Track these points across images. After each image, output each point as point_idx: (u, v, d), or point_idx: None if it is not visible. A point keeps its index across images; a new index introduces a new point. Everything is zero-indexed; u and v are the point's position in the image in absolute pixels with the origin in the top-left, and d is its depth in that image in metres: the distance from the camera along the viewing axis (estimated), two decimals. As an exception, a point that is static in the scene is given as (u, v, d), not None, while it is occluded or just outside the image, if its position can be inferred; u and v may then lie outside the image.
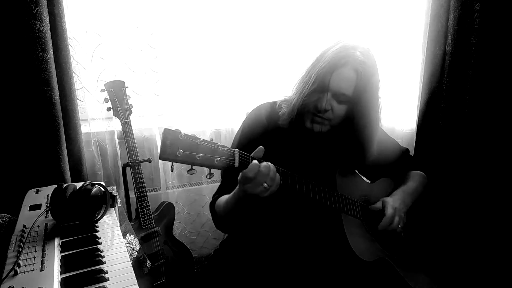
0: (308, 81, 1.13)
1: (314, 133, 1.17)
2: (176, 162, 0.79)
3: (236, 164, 0.89)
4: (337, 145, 1.22)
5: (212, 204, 1.22)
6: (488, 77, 1.80)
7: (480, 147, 1.87)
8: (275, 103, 1.28)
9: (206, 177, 0.88)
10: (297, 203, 1.16)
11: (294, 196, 1.04)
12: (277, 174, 0.95)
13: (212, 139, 0.87)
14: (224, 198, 1.14)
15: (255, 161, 0.91)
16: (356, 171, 1.36)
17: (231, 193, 1.06)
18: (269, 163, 0.93)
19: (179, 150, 0.78)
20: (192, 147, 0.81)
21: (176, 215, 1.84)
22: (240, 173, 0.91)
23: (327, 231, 1.18)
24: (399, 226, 1.20)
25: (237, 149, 0.90)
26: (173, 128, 0.80)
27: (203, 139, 0.84)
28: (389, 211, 1.18)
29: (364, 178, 1.38)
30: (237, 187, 1.00)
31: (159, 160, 1.85)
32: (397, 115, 2.08)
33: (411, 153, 1.96)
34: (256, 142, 1.16)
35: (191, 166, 0.84)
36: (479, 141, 1.86)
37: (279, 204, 1.15)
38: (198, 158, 0.81)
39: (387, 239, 1.24)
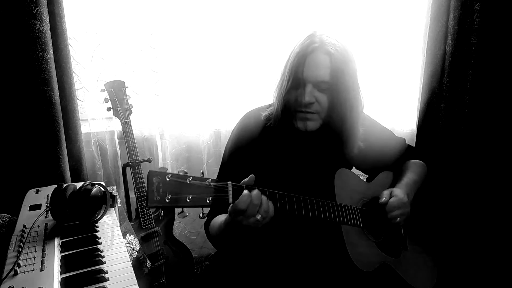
0: (283, 79, 1.09)
1: (304, 133, 1.12)
2: (165, 208, 0.76)
3: (230, 200, 0.84)
4: (328, 141, 1.17)
5: (207, 225, 1.16)
6: (488, 77, 1.80)
7: (480, 147, 1.87)
8: (262, 108, 1.24)
9: (199, 216, 0.85)
10: (295, 220, 1.10)
11: (293, 218, 1.00)
12: (270, 203, 0.90)
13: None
14: (218, 220, 1.07)
15: (245, 192, 0.85)
16: (354, 169, 1.33)
17: (224, 220, 0.99)
18: (260, 193, 0.87)
19: (167, 195, 0.74)
20: (182, 188, 0.76)
21: (176, 215, 1.84)
22: (231, 205, 0.85)
23: (326, 244, 1.14)
24: (402, 221, 1.17)
25: (230, 182, 0.84)
26: (157, 169, 0.77)
27: (193, 177, 0.78)
28: (393, 201, 1.14)
29: (362, 178, 1.35)
30: (228, 216, 0.93)
31: (159, 161, 1.85)
32: (397, 115, 2.08)
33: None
34: (248, 152, 1.15)
35: (182, 209, 0.80)
36: (479, 141, 1.86)
37: (277, 221, 1.10)
38: (188, 201, 0.76)
39: (388, 240, 1.22)
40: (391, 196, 1.16)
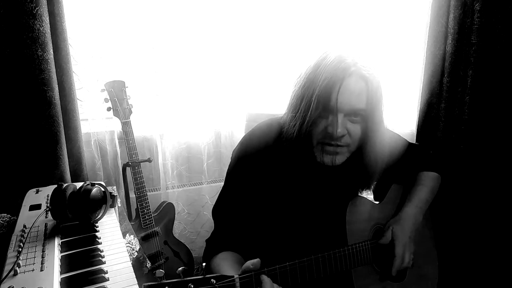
0: (307, 107, 0.92)
1: (326, 167, 0.99)
2: None
3: None
4: (351, 174, 1.04)
5: (208, 255, 1.04)
6: (488, 77, 1.80)
7: (480, 147, 1.87)
8: (270, 126, 1.07)
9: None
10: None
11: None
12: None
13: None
14: (222, 268, 0.95)
15: None
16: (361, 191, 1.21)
17: None
18: (271, 282, 0.78)
19: None
20: None
21: (176, 215, 1.84)
22: None
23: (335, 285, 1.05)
24: (411, 261, 1.08)
25: (237, 277, 0.76)
26: (156, 277, 0.71)
27: (193, 281, 0.72)
28: (398, 251, 1.04)
29: (371, 198, 1.23)
30: None
31: (159, 161, 1.85)
32: (398, 115, 2.08)
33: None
34: (257, 168, 1.02)
35: None
36: (480, 141, 1.86)
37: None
38: None
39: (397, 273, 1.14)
40: (392, 239, 1.06)
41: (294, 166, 1.02)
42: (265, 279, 0.78)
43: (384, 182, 1.23)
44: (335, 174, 1.04)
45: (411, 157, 1.22)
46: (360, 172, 1.03)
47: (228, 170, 1.11)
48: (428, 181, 1.20)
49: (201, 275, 0.74)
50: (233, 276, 0.76)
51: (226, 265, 0.96)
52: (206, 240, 1.09)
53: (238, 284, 0.76)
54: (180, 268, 0.72)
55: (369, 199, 1.19)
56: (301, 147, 0.97)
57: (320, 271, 0.93)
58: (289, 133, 0.98)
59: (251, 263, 0.79)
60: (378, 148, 0.98)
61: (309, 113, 0.92)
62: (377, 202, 1.18)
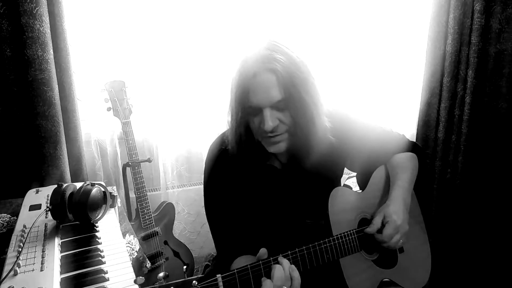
0: (232, 111, 1.00)
1: (283, 165, 1.08)
2: None
3: None
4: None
5: (224, 267, 1.03)
6: (488, 77, 1.80)
7: (480, 147, 1.87)
8: (217, 143, 1.15)
9: None
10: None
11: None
12: (293, 268, 0.85)
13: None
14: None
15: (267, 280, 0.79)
16: (345, 182, 1.25)
17: None
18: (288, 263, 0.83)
19: None
20: None
21: (176, 215, 1.84)
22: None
23: (324, 279, 1.06)
24: (399, 242, 1.08)
25: (219, 276, 0.78)
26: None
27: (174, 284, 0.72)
28: (386, 231, 1.05)
29: (356, 188, 1.26)
30: None
31: (159, 161, 1.85)
32: (398, 115, 2.08)
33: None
34: (229, 191, 1.07)
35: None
36: (480, 141, 1.86)
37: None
38: None
39: (384, 252, 1.14)
40: (383, 223, 1.06)
41: (250, 168, 1.08)
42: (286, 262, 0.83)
43: (363, 170, 1.25)
44: (294, 169, 1.10)
45: (384, 142, 1.23)
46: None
47: (204, 185, 1.15)
48: (407, 162, 1.21)
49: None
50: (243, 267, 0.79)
51: (242, 262, 0.98)
52: (214, 259, 1.12)
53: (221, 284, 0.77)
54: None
55: (350, 189, 1.21)
56: (239, 149, 1.04)
57: (307, 262, 0.95)
58: (232, 141, 1.05)
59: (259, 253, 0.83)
60: (313, 129, 1.01)
61: (236, 117, 0.99)
62: (359, 191, 1.20)
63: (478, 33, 1.75)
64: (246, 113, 0.99)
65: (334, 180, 1.22)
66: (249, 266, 0.81)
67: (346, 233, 1.05)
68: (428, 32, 1.81)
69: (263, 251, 0.84)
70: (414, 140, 1.98)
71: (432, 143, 1.95)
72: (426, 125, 1.93)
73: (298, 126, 0.99)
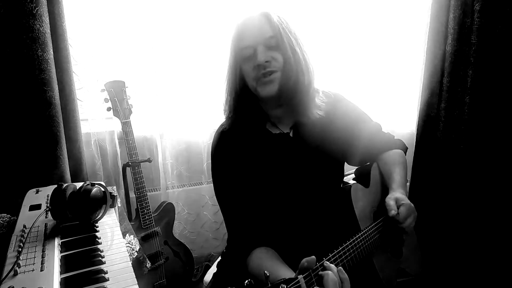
0: (231, 64, 1.08)
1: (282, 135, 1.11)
2: None
3: None
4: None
5: (241, 258, 1.03)
6: (488, 77, 1.80)
7: (480, 148, 1.87)
8: (221, 125, 1.22)
9: None
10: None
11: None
12: (341, 271, 0.82)
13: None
14: (264, 268, 0.92)
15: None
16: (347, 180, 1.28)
17: None
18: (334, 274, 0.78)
19: None
20: None
21: (176, 215, 1.84)
22: None
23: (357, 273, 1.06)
24: (414, 222, 1.12)
25: (301, 277, 0.74)
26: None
27: None
28: (402, 210, 1.08)
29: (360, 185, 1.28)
30: None
31: (159, 161, 1.85)
32: (397, 116, 2.08)
33: (411, 152, 1.97)
34: (239, 167, 1.09)
35: None
36: (480, 141, 1.86)
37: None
38: None
39: (394, 244, 1.21)
40: (398, 206, 1.09)
41: (252, 137, 1.13)
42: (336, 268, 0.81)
43: (355, 163, 1.31)
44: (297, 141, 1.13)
45: (374, 137, 1.27)
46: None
47: (212, 172, 1.17)
48: (398, 158, 1.27)
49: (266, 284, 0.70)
50: (297, 278, 0.74)
51: (268, 265, 0.96)
52: (226, 249, 1.11)
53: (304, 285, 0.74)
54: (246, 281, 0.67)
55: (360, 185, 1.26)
56: (243, 108, 1.12)
57: (353, 261, 0.98)
58: (229, 101, 1.15)
59: (306, 260, 0.78)
60: (302, 81, 1.06)
61: (234, 66, 1.07)
62: (366, 188, 1.25)
63: (478, 33, 1.75)
64: (241, 58, 1.05)
65: (338, 160, 1.23)
66: (302, 277, 0.75)
67: (372, 228, 1.11)
68: (428, 32, 1.81)
69: (311, 260, 0.78)
70: (414, 141, 2.00)
71: (432, 143, 1.95)
72: (426, 125, 1.93)
73: (288, 66, 1.03)
